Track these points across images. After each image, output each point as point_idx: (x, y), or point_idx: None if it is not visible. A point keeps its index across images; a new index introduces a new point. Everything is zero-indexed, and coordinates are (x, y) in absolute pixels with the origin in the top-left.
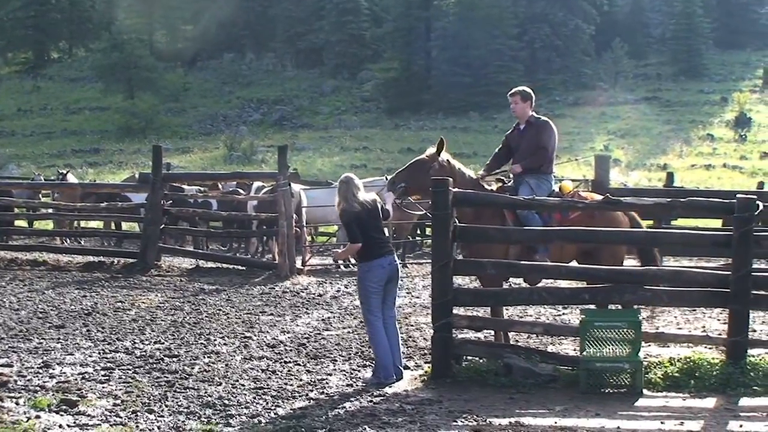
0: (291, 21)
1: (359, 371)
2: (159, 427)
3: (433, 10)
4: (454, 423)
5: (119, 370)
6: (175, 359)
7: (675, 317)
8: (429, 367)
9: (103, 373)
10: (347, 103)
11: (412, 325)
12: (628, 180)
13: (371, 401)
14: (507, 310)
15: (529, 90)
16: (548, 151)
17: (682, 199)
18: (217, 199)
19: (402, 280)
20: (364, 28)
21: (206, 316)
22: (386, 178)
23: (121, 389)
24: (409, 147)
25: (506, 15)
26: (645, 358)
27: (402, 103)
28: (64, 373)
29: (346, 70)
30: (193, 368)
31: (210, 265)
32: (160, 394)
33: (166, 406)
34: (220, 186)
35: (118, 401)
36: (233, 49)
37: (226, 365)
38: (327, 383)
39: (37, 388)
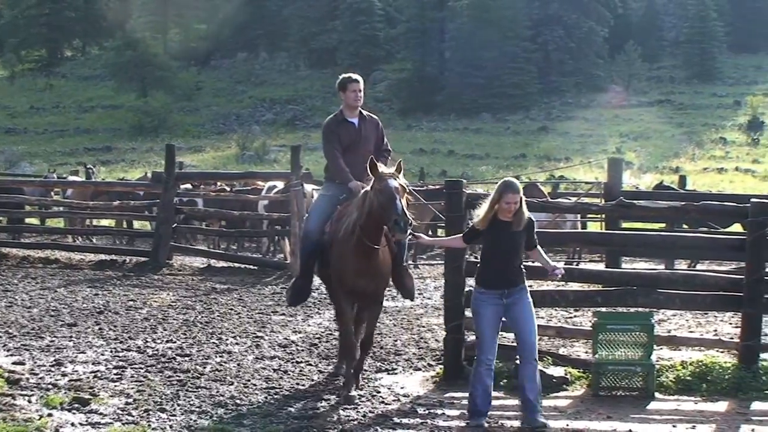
0: (304, 21)
1: (370, 371)
2: (171, 426)
3: (446, 11)
4: (466, 425)
5: (131, 368)
6: (187, 358)
7: (687, 320)
8: (441, 368)
9: (115, 371)
10: None
11: (423, 327)
12: (641, 183)
13: (383, 402)
14: None
15: None
16: (390, 154)
17: (695, 203)
18: (203, 198)
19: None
20: (378, 29)
21: (218, 316)
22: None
23: (133, 388)
24: (421, 148)
25: (520, 17)
26: (657, 361)
27: (415, 104)
28: (77, 371)
29: (359, 70)
30: (205, 367)
31: (222, 264)
32: (172, 393)
33: (178, 405)
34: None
35: (130, 400)
36: (247, 48)
37: (238, 365)
38: (339, 383)
39: (50, 386)
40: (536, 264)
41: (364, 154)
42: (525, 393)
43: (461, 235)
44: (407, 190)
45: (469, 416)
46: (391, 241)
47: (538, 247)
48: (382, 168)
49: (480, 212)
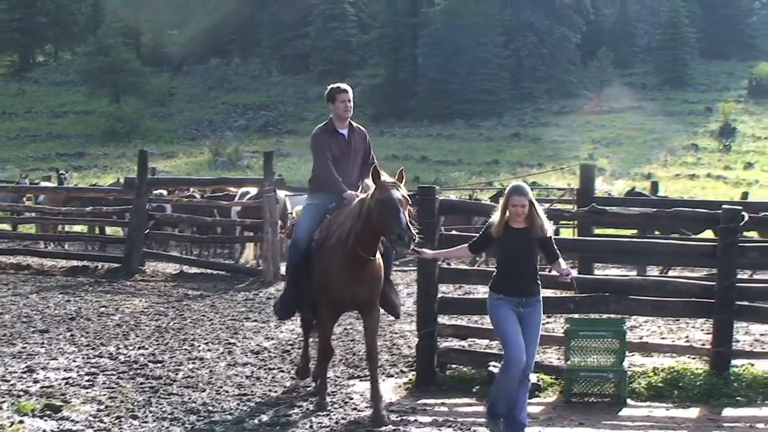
0: (277, 26)
1: (342, 378)
2: None
3: (420, 17)
4: (438, 431)
5: (103, 375)
6: (159, 365)
7: (659, 327)
8: (414, 375)
9: (87, 378)
10: None
11: (396, 333)
12: (613, 189)
13: (355, 409)
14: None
15: None
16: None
17: (667, 210)
18: (171, 203)
19: None
20: (351, 35)
21: (190, 322)
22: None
23: (105, 395)
24: (394, 154)
25: (492, 23)
26: (629, 367)
27: (388, 110)
28: (48, 378)
29: (332, 76)
30: (177, 374)
31: (194, 270)
32: (144, 399)
33: (150, 412)
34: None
35: (102, 407)
36: (219, 54)
37: (210, 371)
38: (311, 390)
39: (21, 393)
40: (552, 273)
41: (353, 166)
42: (516, 412)
43: (467, 244)
44: (410, 202)
45: (490, 417)
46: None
47: (560, 259)
48: (384, 176)
49: (494, 219)
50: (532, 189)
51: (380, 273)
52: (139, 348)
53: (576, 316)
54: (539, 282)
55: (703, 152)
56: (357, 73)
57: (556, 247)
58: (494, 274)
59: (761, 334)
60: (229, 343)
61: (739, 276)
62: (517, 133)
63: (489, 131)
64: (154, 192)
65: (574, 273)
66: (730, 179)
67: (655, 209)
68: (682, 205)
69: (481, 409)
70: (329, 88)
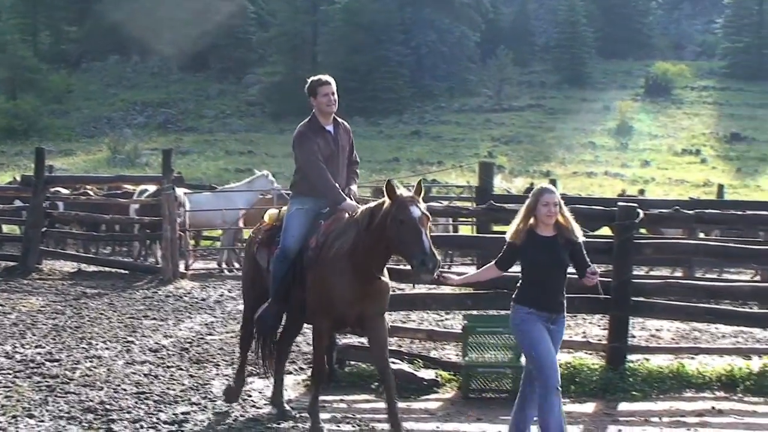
0: (177, 24)
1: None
2: None
3: (319, 14)
4: (337, 428)
5: None
6: (56, 364)
7: None
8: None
9: None
10: (232, 106)
11: None
12: (512, 186)
13: (254, 406)
14: (390, 315)
15: None
16: (359, 165)
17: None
18: (64, 201)
19: None
20: (251, 32)
21: (88, 320)
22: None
23: (1, 394)
24: None
25: (392, 21)
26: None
27: (287, 108)
28: None
29: (231, 73)
30: (74, 373)
31: (92, 268)
32: (40, 398)
33: (47, 410)
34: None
35: None
36: (118, 51)
37: (108, 370)
38: (210, 388)
39: None
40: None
41: (342, 166)
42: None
43: (494, 262)
44: (430, 219)
45: None
46: None
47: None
48: (401, 191)
49: (512, 225)
50: (431, 186)
51: (388, 287)
52: (36, 347)
53: (474, 312)
54: (565, 298)
55: (600, 150)
56: (256, 71)
57: (586, 254)
58: (519, 284)
59: (657, 330)
60: (127, 342)
61: (635, 272)
62: (417, 130)
63: (389, 129)
64: (52, 190)
65: (472, 270)
66: (626, 177)
67: None
68: (579, 202)
69: (379, 405)
70: (309, 81)
